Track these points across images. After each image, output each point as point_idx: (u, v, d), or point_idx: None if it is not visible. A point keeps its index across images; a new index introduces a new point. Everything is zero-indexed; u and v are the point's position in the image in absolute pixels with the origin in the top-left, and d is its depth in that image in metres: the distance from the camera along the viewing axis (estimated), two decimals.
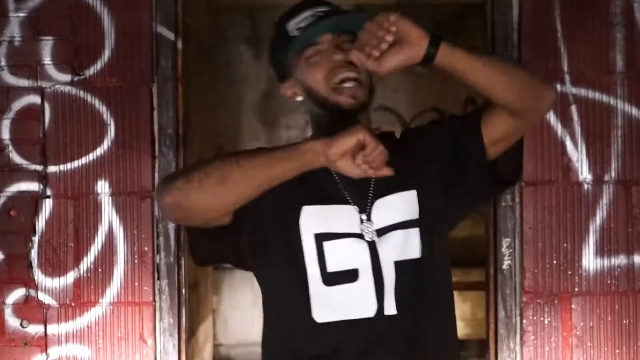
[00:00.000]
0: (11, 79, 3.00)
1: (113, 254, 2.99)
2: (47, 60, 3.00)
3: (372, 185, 1.87)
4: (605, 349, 2.94)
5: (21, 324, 3.00)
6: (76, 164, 2.99)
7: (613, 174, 2.95)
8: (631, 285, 2.95)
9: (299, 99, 1.93)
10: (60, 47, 3.00)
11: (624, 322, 2.94)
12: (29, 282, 2.99)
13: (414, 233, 1.86)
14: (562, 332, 2.94)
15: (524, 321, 2.95)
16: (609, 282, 2.95)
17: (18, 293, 3.00)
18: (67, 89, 3.00)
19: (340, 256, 1.83)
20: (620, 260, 2.95)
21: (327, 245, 1.84)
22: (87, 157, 2.99)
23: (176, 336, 3.00)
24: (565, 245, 2.95)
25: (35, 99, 3.00)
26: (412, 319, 1.83)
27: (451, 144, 1.91)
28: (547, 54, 2.95)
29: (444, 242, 1.94)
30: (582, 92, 2.96)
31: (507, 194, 2.96)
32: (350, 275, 1.83)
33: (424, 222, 1.87)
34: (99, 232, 2.99)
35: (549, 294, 2.95)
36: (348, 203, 1.86)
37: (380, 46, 1.69)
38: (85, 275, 2.98)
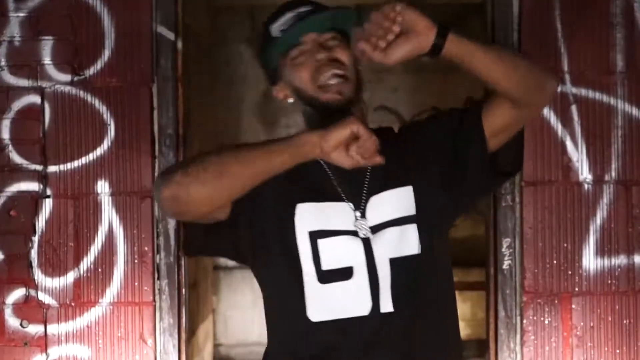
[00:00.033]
0: (11, 79, 3.00)
1: (113, 254, 2.99)
2: (47, 60, 3.00)
3: (366, 182, 1.88)
4: (606, 349, 2.94)
5: (21, 324, 3.00)
6: (76, 163, 2.99)
7: (613, 174, 2.95)
8: (631, 285, 2.95)
9: (291, 100, 1.94)
10: (60, 47, 3.00)
11: (624, 322, 2.94)
12: (29, 282, 2.99)
13: (411, 229, 1.85)
14: (563, 332, 2.94)
15: (524, 321, 2.95)
16: (609, 282, 2.95)
17: (18, 293, 3.00)
18: (67, 88, 3.00)
19: (334, 254, 1.84)
20: (620, 260, 2.95)
21: (322, 242, 1.84)
22: (87, 157, 2.99)
23: (176, 336, 3.00)
24: (565, 245, 2.95)
25: (35, 98, 3.00)
26: (409, 317, 1.83)
27: (451, 138, 1.91)
28: (547, 53, 2.95)
29: (444, 239, 1.94)
30: (582, 92, 2.96)
31: (508, 194, 2.96)
32: (344, 273, 1.83)
33: (422, 218, 1.86)
34: (99, 232, 2.99)
35: (549, 294, 2.95)
36: (342, 200, 1.86)
37: (387, 37, 1.68)
38: (85, 275, 2.98)
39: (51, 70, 3.00)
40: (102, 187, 2.99)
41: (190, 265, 3.11)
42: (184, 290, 3.05)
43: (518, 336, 2.96)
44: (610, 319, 2.94)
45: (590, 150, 2.95)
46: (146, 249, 2.98)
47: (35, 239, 2.99)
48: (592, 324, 2.94)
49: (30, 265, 2.99)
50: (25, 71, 3.00)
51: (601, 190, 2.95)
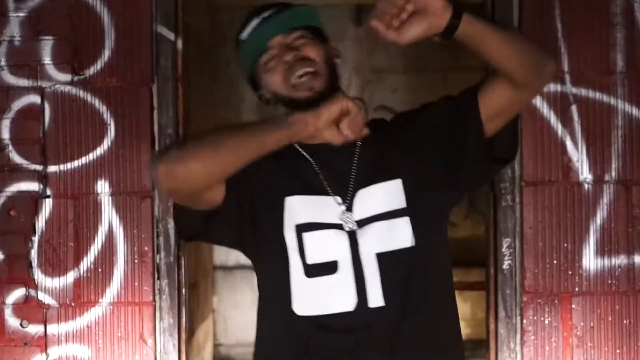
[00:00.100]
0: (11, 79, 3.00)
1: (113, 253, 2.98)
2: (47, 60, 3.00)
3: (352, 176, 1.88)
4: (606, 349, 2.94)
5: (21, 324, 3.00)
6: (76, 163, 2.99)
7: (613, 173, 2.95)
8: (631, 285, 2.95)
9: (275, 105, 1.96)
10: (60, 47, 2.99)
11: (625, 322, 2.94)
12: (29, 282, 2.99)
13: (403, 222, 1.85)
14: (563, 332, 2.94)
15: (524, 321, 2.95)
16: (609, 282, 2.95)
17: (18, 293, 3.00)
18: (67, 88, 3.00)
19: (319, 247, 1.84)
20: (620, 260, 2.95)
21: (307, 236, 1.85)
22: (87, 157, 2.99)
23: (176, 336, 3.00)
24: (565, 245, 2.95)
25: (35, 98, 3.00)
26: (402, 310, 1.82)
27: (447, 126, 1.90)
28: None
29: (440, 231, 1.93)
30: (583, 92, 2.95)
31: (508, 194, 2.96)
32: (330, 267, 1.84)
33: (414, 210, 1.85)
34: (99, 232, 2.99)
35: (550, 294, 2.95)
36: (328, 194, 1.87)
37: (401, 15, 1.66)
38: (85, 275, 2.98)
39: (51, 70, 2.99)
40: (102, 187, 2.99)
41: (190, 265, 3.11)
42: (184, 290, 3.05)
43: (518, 336, 2.96)
44: (610, 319, 2.94)
45: (590, 150, 2.95)
46: (146, 248, 2.98)
47: (35, 239, 2.99)
48: (592, 324, 2.94)
49: (30, 265, 2.99)
50: (25, 71, 3.00)
51: (601, 190, 2.95)
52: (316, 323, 1.83)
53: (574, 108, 2.96)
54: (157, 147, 2.99)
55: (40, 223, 2.99)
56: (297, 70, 1.87)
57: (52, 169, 2.99)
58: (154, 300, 2.99)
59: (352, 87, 6.15)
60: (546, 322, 2.95)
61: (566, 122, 2.95)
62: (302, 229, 1.85)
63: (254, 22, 1.93)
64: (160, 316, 2.99)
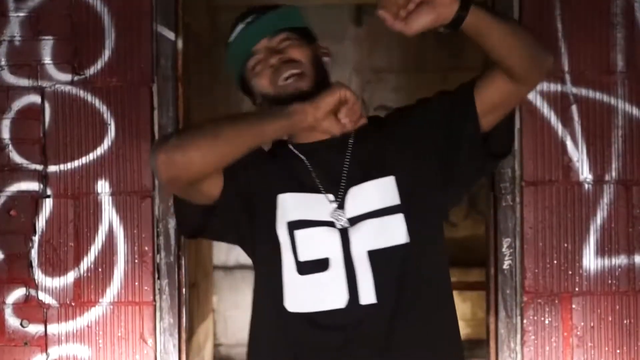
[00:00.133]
0: (11, 79, 3.00)
1: (113, 253, 2.99)
2: (47, 59, 3.00)
3: (344, 173, 1.88)
4: (606, 349, 2.94)
5: (21, 324, 3.00)
6: (76, 163, 2.99)
7: (614, 173, 2.95)
8: (632, 285, 2.95)
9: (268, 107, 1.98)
10: (60, 46, 3.00)
11: (625, 322, 2.94)
12: (29, 282, 2.99)
13: (397, 219, 1.84)
14: (563, 332, 2.94)
15: (525, 321, 2.95)
16: (609, 282, 2.95)
17: (18, 293, 3.00)
18: (67, 88, 3.00)
19: (310, 245, 1.85)
20: (620, 260, 2.95)
21: (298, 233, 1.85)
22: (87, 156, 2.99)
23: (176, 336, 3.00)
24: (565, 245, 2.95)
25: (36, 98, 3.00)
26: (395, 307, 1.82)
27: (443, 121, 1.89)
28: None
29: (436, 228, 1.92)
30: (583, 92, 2.96)
31: (508, 194, 2.96)
32: (321, 265, 1.84)
33: (409, 207, 1.85)
34: (99, 232, 2.99)
35: (550, 293, 2.95)
36: (320, 191, 1.87)
37: (408, 6, 1.65)
38: (85, 275, 2.98)
39: (51, 70, 3.00)
40: (103, 187, 2.99)
41: (190, 265, 3.11)
42: (184, 290, 3.05)
43: (518, 336, 2.96)
44: (610, 319, 2.94)
45: (590, 150, 2.95)
46: (146, 248, 2.98)
47: (36, 238, 2.99)
48: (592, 324, 2.94)
49: (30, 265, 2.99)
50: (26, 71, 3.00)
51: (601, 190, 2.95)
52: (308, 320, 1.84)
53: (574, 108, 2.96)
54: None
55: (41, 223, 2.99)
56: (282, 73, 1.88)
57: (52, 168, 2.99)
58: (154, 300, 2.99)
59: (352, 87, 6.13)
60: (546, 322, 2.95)
61: (566, 122, 2.96)
62: (293, 226, 1.86)
63: (239, 27, 1.94)
64: (161, 316, 2.99)
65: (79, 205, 2.99)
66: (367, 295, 1.82)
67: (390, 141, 1.91)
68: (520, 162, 2.95)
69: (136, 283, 2.98)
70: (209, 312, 5.59)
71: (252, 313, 1.96)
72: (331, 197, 1.86)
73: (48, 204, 2.99)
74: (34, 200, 2.99)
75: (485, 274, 3.17)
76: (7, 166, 3.00)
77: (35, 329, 2.99)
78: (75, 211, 2.99)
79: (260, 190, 1.90)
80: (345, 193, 1.86)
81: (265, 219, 1.88)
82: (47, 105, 3.00)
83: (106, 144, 2.99)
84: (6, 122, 3.00)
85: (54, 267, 2.98)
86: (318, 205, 1.86)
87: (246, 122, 1.81)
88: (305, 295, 1.84)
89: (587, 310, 2.94)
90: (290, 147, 1.94)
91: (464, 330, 6.19)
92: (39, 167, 2.99)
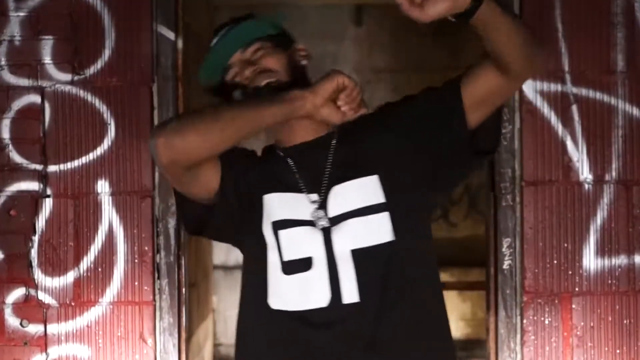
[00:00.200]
0: (11, 78, 3.00)
1: (113, 253, 2.98)
2: (47, 59, 3.00)
3: (326, 173, 1.89)
4: (606, 349, 2.94)
5: (21, 324, 2.99)
6: (76, 163, 2.99)
7: (614, 173, 2.95)
8: (632, 285, 2.95)
9: None
10: (60, 46, 2.99)
11: (625, 322, 2.94)
12: (29, 282, 2.99)
13: (382, 217, 1.85)
14: (563, 332, 2.94)
15: (525, 321, 2.95)
16: (609, 282, 2.95)
17: (18, 292, 3.00)
18: (67, 88, 2.99)
19: (294, 244, 1.86)
20: (620, 260, 2.94)
21: (282, 233, 1.87)
22: (87, 156, 2.99)
23: (176, 335, 3.00)
24: (565, 245, 2.95)
25: (36, 98, 3.00)
26: (379, 306, 1.82)
27: (429, 119, 1.90)
28: (547, 53, 2.94)
29: (423, 226, 1.93)
30: (583, 91, 2.95)
31: (508, 194, 2.96)
32: (304, 264, 1.85)
33: (394, 205, 1.86)
34: (99, 232, 2.99)
35: (550, 293, 2.94)
36: (301, 191, 1.88)
37: None
38: (85, 274, 2.98)
39: (51, 70, 2.99)
40: (102, 187, 2.98)
41: (190, 264, 3.11)
42: (184, 289, 3.05)
43: (518, 336, 2.96)
44: (610, 319, 2.94)
45: (590, 150, 2.95)
46: (146, 248, 2.98)
47: (35, 238, 2.99)
48: (592, 324, 2.94)
49: (30, 265, 2.99)
50: (26, 70, 3.00)
51: (601, 190, 2.95)
52: (291, 317, 1.85)
53: (574, 108, 2.96)
54: None
55: (41, 223, 2.99)
56: (258, 83, 1.90)
57: (52, 168, 2.99)
58: (154, 299, 2.99)
59: None
60: (546, 322, 2.95)
61: (566, 122, 2.95)
62: (277, 226, 1.88)
63: (213, 41, 1.98)
64: (160, 316, 2.99)
65: (78, 205, 2.99)
66: (350, 294, 1.83)
67: (375, 139, 1.92)
68: (521, 162, 2.95)
69: (136, 283, 2.98)
70: (209, 312, 5.59)
71: (238, 310, 1.98)
72: (313, 196, 1.87)
73: (48, 204, 2.99)
74: (33, 200, 2.99)
75: (485, 274, 3.17)
76: (7, 166, 3.00)
77: (35, 328, 2.99)
78: (75, 211, 2.99)
79: (249, 191, 1.92)
80: (327, 192, 1.87)
81: (252, 219, 1.90)
82: (47, 105, 2.99)
83: (106, 143, 2.99)
84: (6, 122, 3.00)
85: (53, 267, 2.98)
86: (300, 205, 1.87)
87: (245, 107, 1.83)
88: (288, 294, 1.86)
89: (587, 310, 2.94)
90: (278, 151, 1.96)
91: (464, 330, 6.20)
92: (39, 166, 2.99)
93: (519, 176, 2.96)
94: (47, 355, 2.98)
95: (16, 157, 2.99)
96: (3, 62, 2.99)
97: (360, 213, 1.85)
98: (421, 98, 1.94)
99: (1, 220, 2.99)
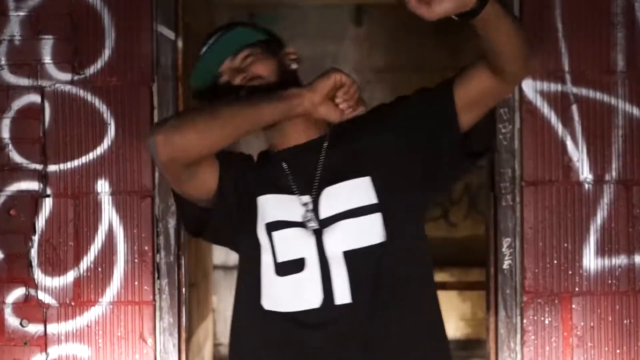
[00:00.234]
0: (11, 78, 3.00)
1: (113, 253, 2.98)
2: (47, 59, 3.00)
3: (318, 174, 1.89)
4: (606, 349, 2.94)
5: (21, 323, 2.99)
6: (76, 163, 2.99)
7: (614, 173, 2.95)
8: (632, 285, 2.95)
9: None
10: (60, 46, 2.99)
11: (625, 322, 2.94)
12: (29, 282, 2.99)
13: (374, 218, 1.85)
14: (563, 332, 2.94)
15: (525, 321, 2.95)
16: (609, 282, 2.95)
17: (18, 292, 2.99)
18: (67, 88, 2.99)
19: (287, 245, 1.87)
20: (621, 260, 2.94)
21: (275, 235, 1.88)
22: (87, 156, 2.99)
23: (176, 335, 3.00)
24: (565, 245, 2.95)
25: (36, 98, 2.99)
26: (371, 307, 1.83)
27: (421, 121, 1.90)
28: (547, 53, 2.95)
29: (416, 226, 1.93)
30: (583, 91, 2.95)
31: (508, 194, 2.96)
32: (297, 265, 1.86)
33: (387, 206, 1.86)
34: (99, 232, 2.99)
35: (550, 293, 2.94)
36: (293, 193, 1.89)
37: None
38: (85, 274, 2.98)
39: (51, 70, 2.99)
40: (102, 187, 2.98)
41: (190, 264, 3.11)
42: (184, 289, 3.05)
43: (518, 336, 2.96)
44: (610, 319, 2.94)
45: (590, 150, 2.95)
46: (146, 248, 2.98)
47: (35, 238, 2.99)
48: (592, 324, 2.94)
49: (30, 265, 2.99)
50: (26, 70, 3.00)
51: (602, 190, 2.95)
52: (285, 318, 1.86)
53: (574, 108, 2.96)
54: None
55: (40, 222, 2.99)
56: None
57: (52, 168, 2.99)
58: (154, 299, 2.98)
59: None
60: (546, 322, 2.95)
61: (567, 121, 2.95)
62: (271, 227, 1.89)
63: (203, 50, 1.99)
64: (160, 315, 2.99)
65: (78, 204, 2.99)
66: (342, 295, 1.83)
67: (368, 141, 1.92)
68: (521, 162, 2.95)
69: (136, 283, 2.98)
70: (209, 312, 5.59)
71: (233, 310, 2.00)
72: (304, 198, 1.88)
73: (48, 204, 2.99)
74: (33, 200, 2.99)
75: (485, 274, 3.17)
76: (7, 166, 2.99)
77: (34, 328, 2.99)
78: (75, 211, 2.99)
79: (246, 192, 1.93)
80: (319, 194, 1.88)
81: (249, 220, 1.92)
82: (47, 105, 2.99)
83: (106, 143, 2.99)
84: (6, 122, 2.99)
85: (53, 267, 2.98)
86: (292, 206, 1.89)
87: (244, 105, 1.84)
88: (281, 295, 1.87)
89: (587, 310, 2.94)
90: (272, 153, 1.97)
91: (464, 330, 6.19)
92: (39, 166, 2.99)
93: (519, 176, 2.95)
94: (47, 355, 2.98)
95: (16, 157, 2.99)
96: (3, 62, 2.99)
97: (352, 214, 1.86)
98: (414, 99, 1.95)
99: (1, 220, 2.99)
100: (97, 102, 2.99)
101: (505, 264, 2.97)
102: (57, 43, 2.99)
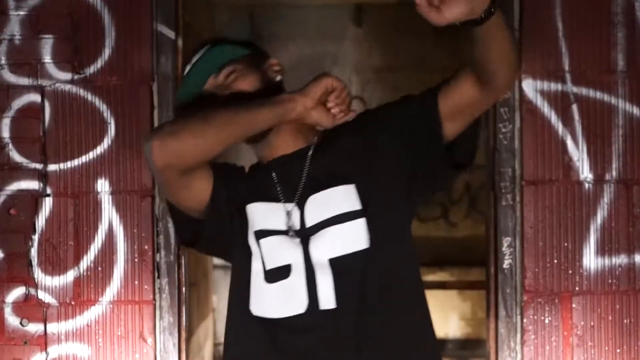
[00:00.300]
0: (11, 78, 3.00)
1: (113, 252, 2.98)
2: (47, 58, 3.00)
3: (302, 182, 1.91)
4: (606, 348, 2.94)
5: (21, 323, 2.99)
6: (76, 162, 2.99)
7: (614, 173, 2.95)
8: (632, 285, 2.95)
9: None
10: (60, 45, 2.99)
11: (625, 321, 2.94)
12: (29, 281, 2.99)
13: (358, 224, 1.87)
14: (563, 331, 2.94)
15: (525, 320, 2.95)
16: (609, 281, 2.95)
17: (18, 292, 2.99)
18: (68, 87, 2.99)
19: (273, 253, 1.90)
20: (621, 259, 2.94)
21: (262, 242, 1.91)
22: (87, 155, 2.99)
23: (176, 335, 3.00)
24: (566, 244, 2.95)
25: (36, 97, 2.99)
26: (357, 312, 1.84)
27: (405, 129, 1.91)
28: (548, 53, 2.95)
29: (402, 231, 1.93)
30: (583, 91, 2.95)
31: (508, 193, 2.96)
32: (284, 271, 1.89)
33: (371, 212, 1.87)
34: (99, 231, 2.99)
35: (550, 293, 2.94)
36: (279, 200, 1.92)
37: None
38: (85, 273, 2.98)
39: (51, 69, 2.99)
40: (102, 186, 2.98)
41: (190, 264, 3.11)
42: (184, 289, 3.05)
43: (518, 335, 2.96)
44: (610, 318, 2.94)
45: (591, 149, 2.95)
46: (146, 247, 2.98)
47: (35, 237, 2.99)
48: (592, 324, 2.94)
49: (30, 264, 2.99)
50: (26, 70, 3.00)
51: (602, 190, 2.95)
52: (272, 324, 1.88)
53: (574, 107, 2.96)
54: None
55: (40, 222, 2.99)
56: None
57: (52, 167, 2.99)
58: (154, 299, 2.98)
59: (352, 87, 6.15)
60: (546, 321, 2.95)
61: (567, 121, 2.95)
62: (259, 235, 1.91)
63: (187, 69, 1.99)
64: (161, 315, 2.99)
65: (78, 204, 2.99)
66: (327, 300, 1.85)
67: (352, 148, 1.94)
68: (521, 161, 2.95)
69: (136, 282, 2.98)
70: (209, 311, 5.58)
71: (226, 315, 2.01)
72: (289, 206, 1.90)
73: (48, 203, 2.99)
74: (33, 199, 2.99)
75: (486, 274, 3.17)
76: (7, 165, 2.99)
77: (34, 327, 2.99)
78: (75, 210, 2.99)
79: (238, 202, 1.95)
80: (304, 202, 1.90)
81: (240, 229, 1.94)
82: (47, 104, 2.99)
83: (106, 142, 2.99)
84: (6, 121, 3.00)
85: (53, 266, 2.98)
86: (278, 214, 1.91)
87: (239, 111, 1.84)
88: (269, 301, 1.89)
89: (587, 309, 2.94)
90: (263, 164, 1.99)
91: (464, 330, 6.19)
92: (39, 166, 2.99)
93: (519, 175, 2.96)
94: (47, 354, 2.98)
95: (16, 156, 2.99)
96: (3, 61, 2.99)
97: (336, 221, 1.88)
98: (399, 107, 1.95)
99: (1, 219, 2.99)
100: (97, 102, 2.99)
101: (506, 264, 2.97)
102: (57, 42, 2.99)
